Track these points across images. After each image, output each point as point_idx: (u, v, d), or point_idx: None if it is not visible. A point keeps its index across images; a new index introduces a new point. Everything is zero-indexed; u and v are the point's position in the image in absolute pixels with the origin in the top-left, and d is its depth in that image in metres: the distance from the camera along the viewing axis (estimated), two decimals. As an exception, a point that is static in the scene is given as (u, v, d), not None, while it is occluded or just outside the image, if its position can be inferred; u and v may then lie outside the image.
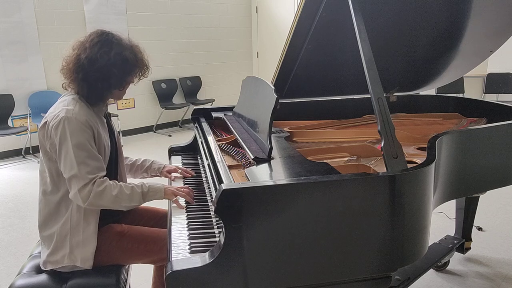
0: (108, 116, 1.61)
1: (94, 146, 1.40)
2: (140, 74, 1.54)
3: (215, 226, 1.35)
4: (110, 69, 1.40)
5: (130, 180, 1.61)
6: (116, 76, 1.43)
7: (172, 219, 1.42)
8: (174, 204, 1.51)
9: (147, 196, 1.45)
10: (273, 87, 1.48)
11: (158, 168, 1.81)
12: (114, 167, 1.56)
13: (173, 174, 1.81)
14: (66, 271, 1.44)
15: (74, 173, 1.33)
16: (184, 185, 1.69)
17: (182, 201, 1.53)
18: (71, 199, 1.38)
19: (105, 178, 1.39)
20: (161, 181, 1.57)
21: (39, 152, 1.46)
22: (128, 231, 1.53)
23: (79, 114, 1.37)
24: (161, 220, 1.75)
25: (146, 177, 1.83)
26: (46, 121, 1.38)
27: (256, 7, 7.24)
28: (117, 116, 5.54)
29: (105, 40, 1.42)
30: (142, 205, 1.78)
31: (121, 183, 1.43)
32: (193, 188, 1.60)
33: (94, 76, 1.40)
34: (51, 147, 1.38)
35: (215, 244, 1.12)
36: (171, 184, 1.69)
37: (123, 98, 1.66)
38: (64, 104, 1.40)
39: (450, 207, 2.44)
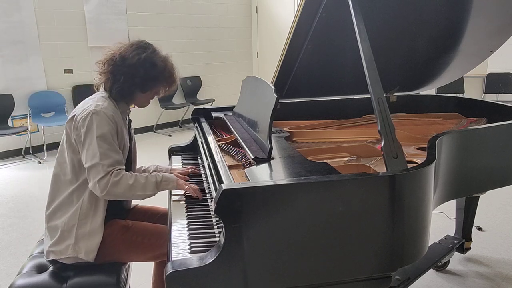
0: (129, 121, 1.68)
1: (116, 141, 1.47)
2: (166, 86, 1.61)
3: (215, 226, 1.35)
4: (137, 68, 1.49)
5: None
6: (141, 77, 1.51)
7: (172, 219, 1.42)
8: (177, 198, 1.55)
9: (161, 185, 1.51)
10: (273, 87, 1.48)
11: (166, 170, 1.82)
12: (127, 169, 1.58)
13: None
14: (68, 263, 1.46)
15: (95, 163, 1.39)
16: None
17: (182, 205, 1.53)
18: (89, 189, 1.43)
19: (121, 169, 1.45)
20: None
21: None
22: (132, 225, 1.56)
23: (107, 109, 1.46)
24: (162, 217, 1.77)
25: None
26: (75, 115, 1.47)
27: (256, 7, 7.24)
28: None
29: (142, 45, 1.54)
30: (143, 204, 1.80)
31: (136, 173, 1.49)
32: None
33: (121, 71, 1.50)
34: (77, 138, 1.44)
35: (215, 244, 1.12)
36: (171, 192, 1.70)
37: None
38: (94, 100, 1.50)
39: (450, 207, 2.44)
